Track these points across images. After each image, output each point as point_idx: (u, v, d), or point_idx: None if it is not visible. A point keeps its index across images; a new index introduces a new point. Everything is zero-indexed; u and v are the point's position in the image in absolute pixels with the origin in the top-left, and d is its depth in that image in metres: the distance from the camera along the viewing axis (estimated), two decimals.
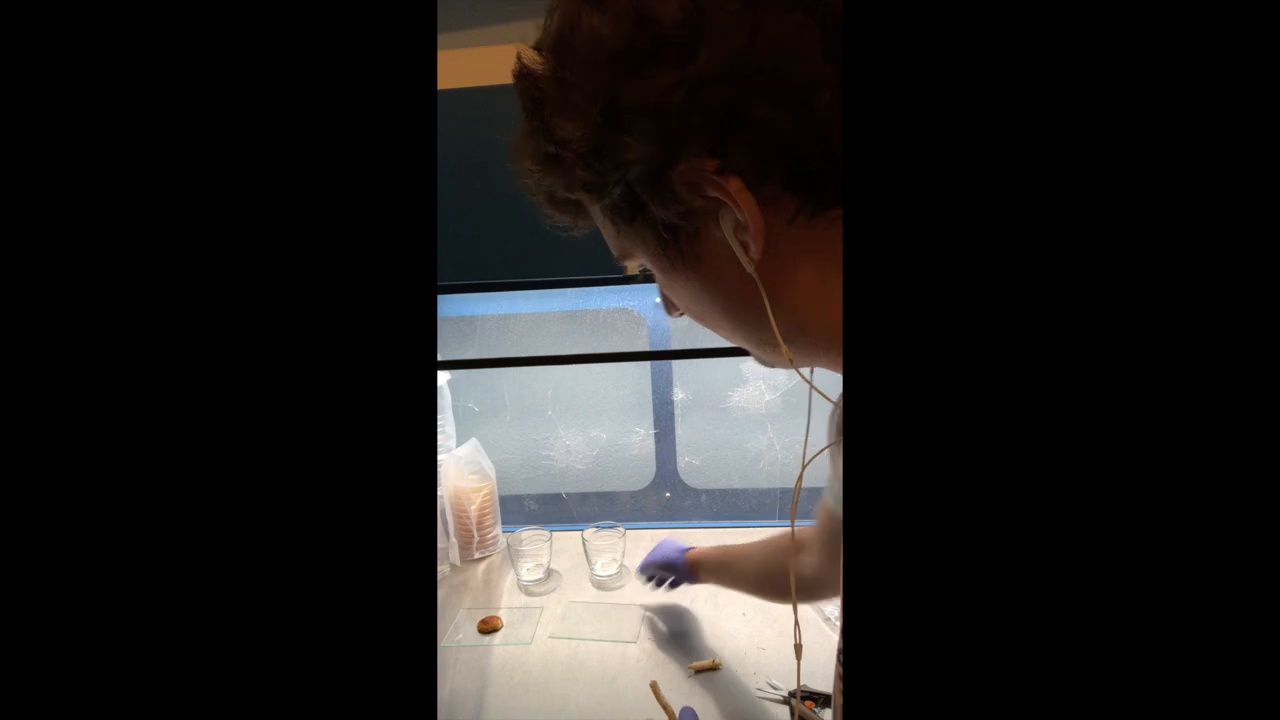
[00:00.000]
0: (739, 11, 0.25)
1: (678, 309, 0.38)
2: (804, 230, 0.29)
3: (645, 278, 0.87)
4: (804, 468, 0.40)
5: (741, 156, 0.27)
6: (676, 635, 0.92)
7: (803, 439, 1.25)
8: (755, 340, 0.35)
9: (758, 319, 0.32)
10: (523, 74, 0.30)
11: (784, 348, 0.32)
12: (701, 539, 1.18)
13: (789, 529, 0.82)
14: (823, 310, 0.31)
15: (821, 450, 0.34)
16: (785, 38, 0.25)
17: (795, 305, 0.32)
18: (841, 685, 0.31)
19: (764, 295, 0.31)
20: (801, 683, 0.80)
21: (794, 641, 0.46)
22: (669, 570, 0.91)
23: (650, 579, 0.93)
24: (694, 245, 0.31)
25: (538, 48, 0.30)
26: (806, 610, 0.96)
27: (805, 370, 0.36)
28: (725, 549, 0.88)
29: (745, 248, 0.30)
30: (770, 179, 0.28)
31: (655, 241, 0.32)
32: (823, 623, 0.93)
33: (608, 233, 0.35)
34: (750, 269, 0.30)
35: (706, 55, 0.26)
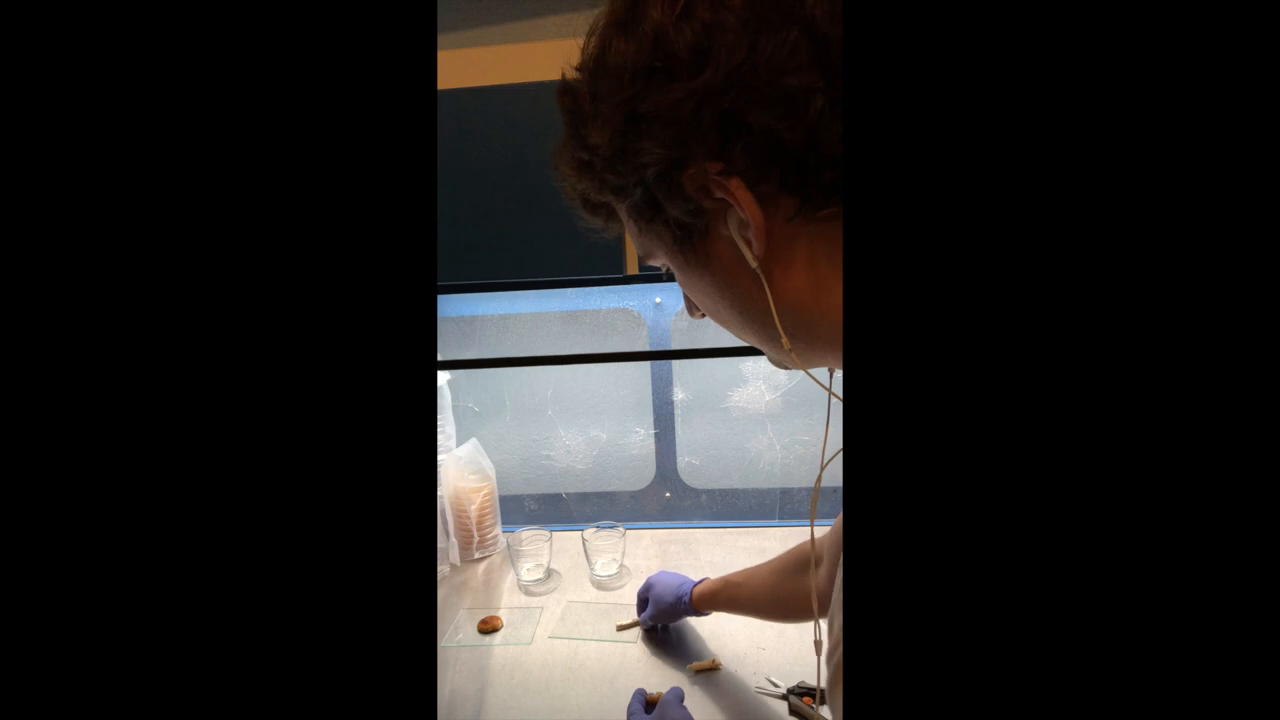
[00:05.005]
0: (739, 32, 0.29)
1: (699, 309, 0.41)
2: (803, 228, 0.32)
3: (645, 278, 0.88)
4: (823, 469, 0.41)
5: (741, 159, 0.31)
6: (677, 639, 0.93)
7: (803, 439, 1.25)
8: (764, 337, 0.37)
9: (764, 316, 0.35)
10: (564, 89, 0.35)
11: (784, 339, 0.35)
12: (701, 539, 1.18)
13: (791, 551, 0.79)
14: (825, 307, 0.34)
15: (835, 455, 0.36)
16: (778, 53, 0.28)
17: (798, 302, 0.34)
18: (827, 678, 0.32)
19: (768, 291, 0.34)
20: (799, 680, 0.81)
21: (814, 638, 0.52)
22: (672, 617, 0.90)
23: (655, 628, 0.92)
24: (705, 244, 0.35)
25: (579, 68, 0.34)
26: None
27: (819, 368, 0.38)
28: (727, 580, 0.85)
29: (750, 245, 0.33)
30: (768, 179, 0.31)
31: (671, 240, 0.35)
32: (823, 622, 0.93)
33: (632, 232, 0.38)
34: (754, 265, 0.33)
35: (711, 71, 0.29)
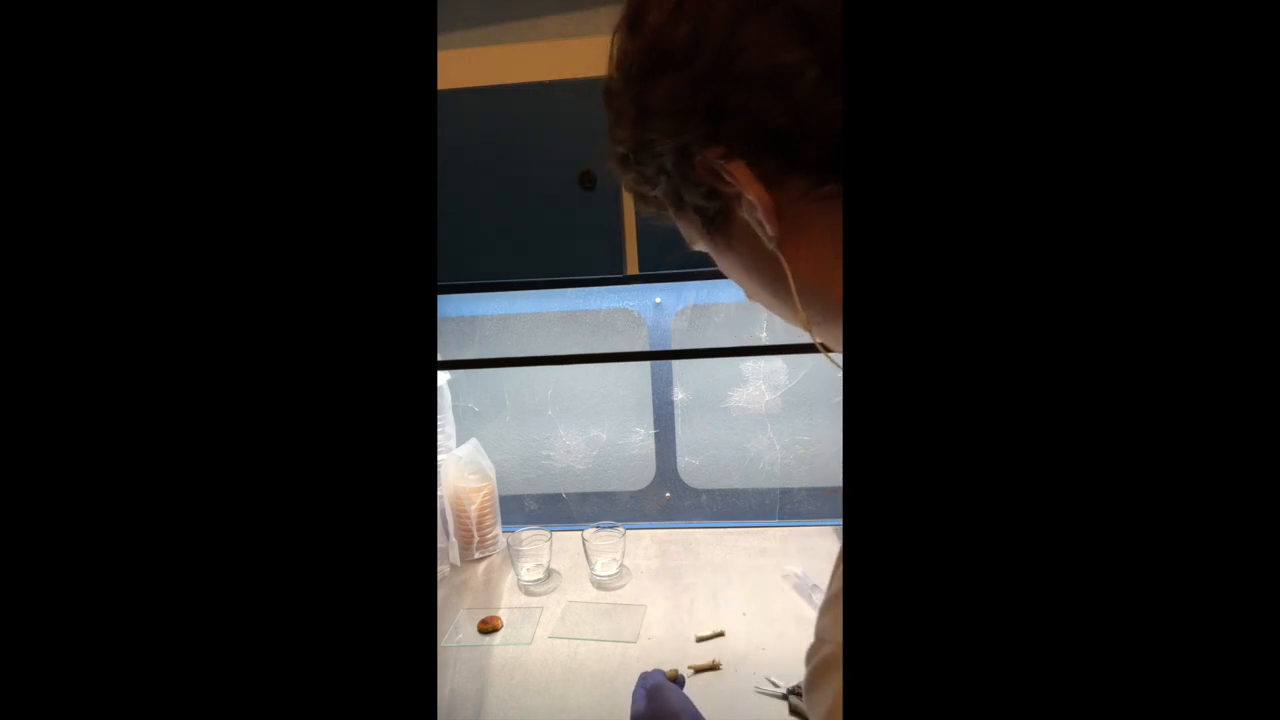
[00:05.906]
0: (724, 18, 0.30)
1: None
2: (814, 207, 0.32)
3: (645, 278, 0.88)
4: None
5: (738, 141, 0.31)
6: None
7: (803, 439, 1.24)
8: (794, 318, 0.38)
9: (789, 295, 0.36)
10: (604, 90, 0.37)
11: (804, 318, 0.36)
12: (701, 539, 1.18)
13: None
14: (830, 286, 0.34)
15: None
16: (762, 35, 0.29)
17: (817, 282, 0.35)
18: (804, 677, 0.32)
19: (786, 271, 0.35)
20: (799, 680, 0.81)
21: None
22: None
23: None
24: (727, 227, 0.36)
25: (611, 70, 0.36)
26: (805, 608, 0.96)
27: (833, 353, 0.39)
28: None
29: (762, 225, 0.33)
30: (767, 159, 0.32)
31: (700, 225, 0.37)
32: None
33: (675, 219, 0.40)
34: (771, 246, 0.34)
35: (701, 59, 0.31)
